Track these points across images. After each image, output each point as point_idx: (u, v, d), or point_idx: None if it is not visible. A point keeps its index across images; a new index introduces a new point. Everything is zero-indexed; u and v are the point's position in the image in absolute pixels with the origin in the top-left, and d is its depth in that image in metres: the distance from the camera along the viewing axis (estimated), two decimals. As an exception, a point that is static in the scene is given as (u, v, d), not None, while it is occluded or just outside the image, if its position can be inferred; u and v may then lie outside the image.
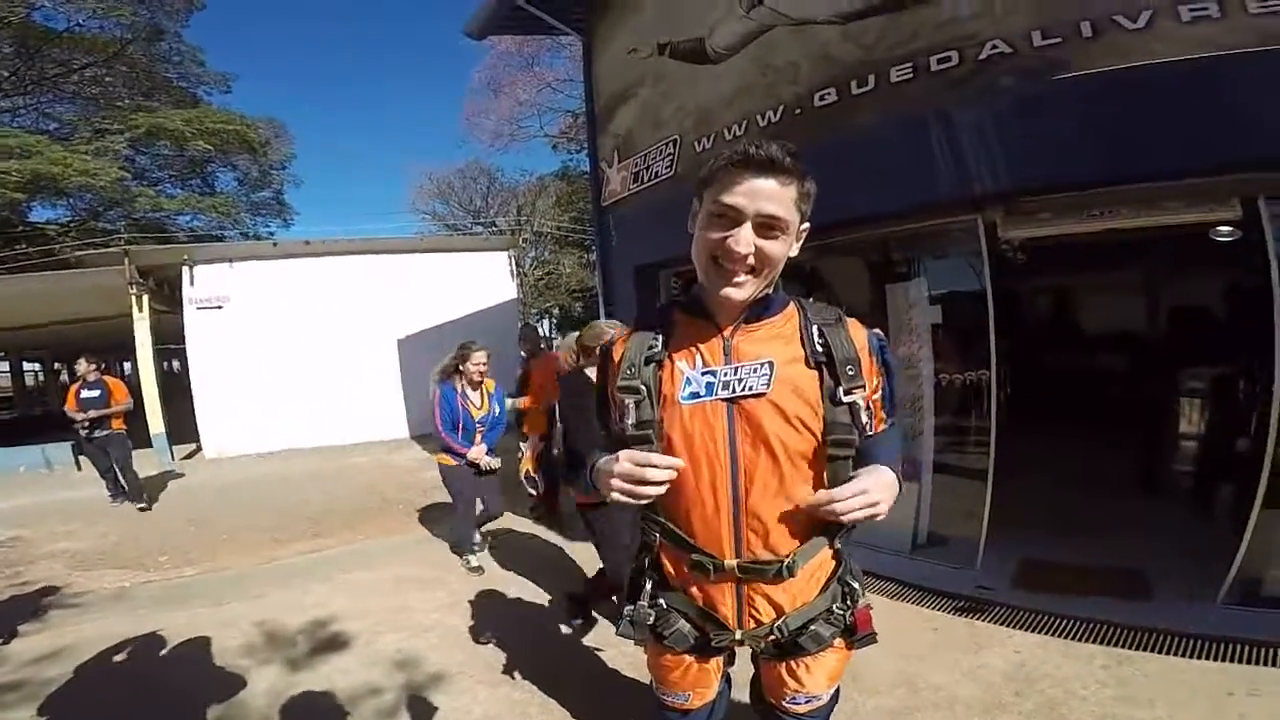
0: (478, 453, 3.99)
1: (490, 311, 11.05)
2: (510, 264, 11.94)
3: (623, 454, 1.13)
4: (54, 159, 15.04)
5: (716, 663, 1.44)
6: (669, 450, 1.18)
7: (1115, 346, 5.86)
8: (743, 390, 1.15)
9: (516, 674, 2.80)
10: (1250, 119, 2.47)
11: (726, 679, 1.56)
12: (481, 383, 4.12)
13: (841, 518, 1.07)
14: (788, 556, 1.18)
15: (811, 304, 1.25)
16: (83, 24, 16.73)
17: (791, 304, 1.24)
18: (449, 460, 4.03)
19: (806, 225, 1.19)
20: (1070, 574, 3.33)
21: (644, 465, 1.10)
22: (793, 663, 1.32)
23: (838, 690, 1.44)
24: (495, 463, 4.09)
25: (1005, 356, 3.40)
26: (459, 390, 4.01)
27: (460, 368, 4.04)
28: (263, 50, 42.78)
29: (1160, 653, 2.64)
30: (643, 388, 1.19)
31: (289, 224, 23.65)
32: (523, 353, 5.63)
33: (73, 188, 16.26)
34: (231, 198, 21.66)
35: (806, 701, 1.37)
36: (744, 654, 1.40)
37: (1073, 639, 2.80)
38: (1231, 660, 2.54)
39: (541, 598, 3.67)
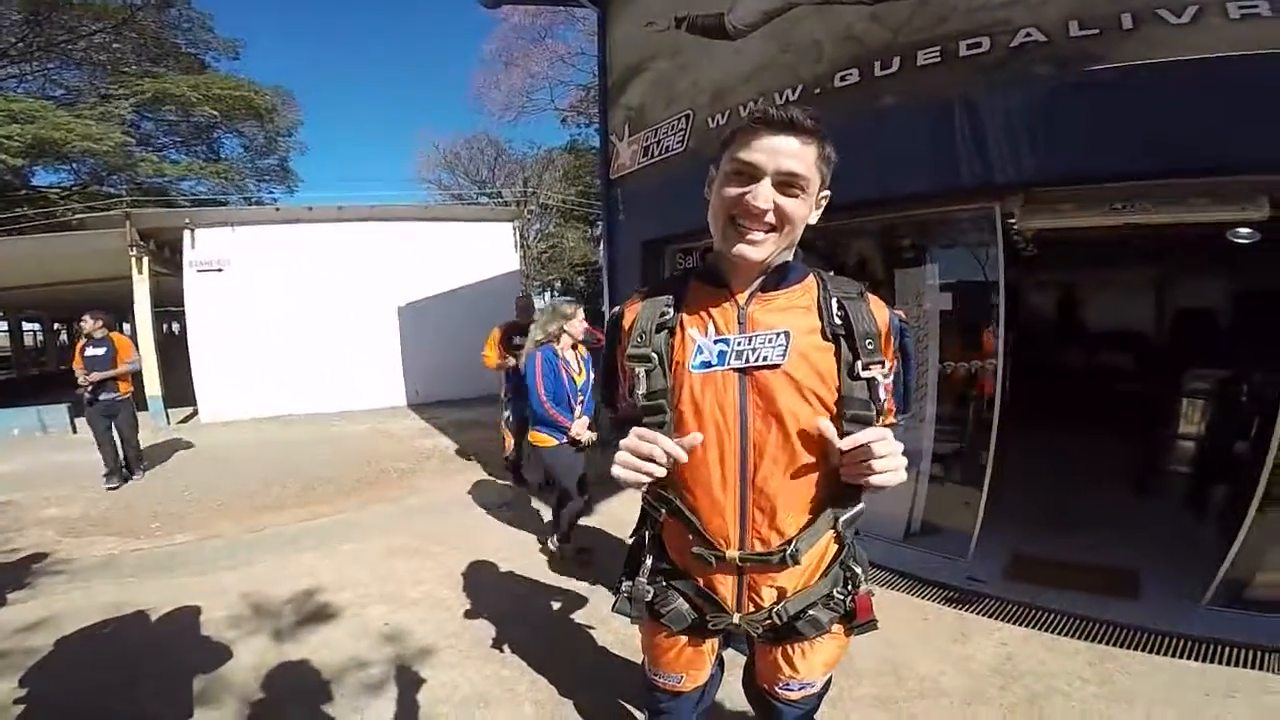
0: (580, 427, 3.53)
1: (492, 282, 11.03)
2: (514, 236, 11.90)
3: (633, 431, 1.09)
4: (57, 124, 14.96)
5: (711, 644, 1.42)
6: (681, 422, 1.13)
7: (1121, 343, 5.83)
8: (756, 360, 1.10)
9: (505, 649, 2.78)
10: None
11: (720, 662, 1.55)
12: (576, 346, 3.71)
13: (874, 461, 1.01)
14: (791, 542, 1.14)
15: (833, 277, 1.19)
16: None
17: (811, 275, 1.19)
18: (549, 440, 3.54)
19: (828, 192, 1.14)
20: (1061, 569, 3.33)
21: (650, 443, 1.05)
22: (789, 648, 1.30)
23: (830, 677, 1.42)
24: (594, 436, 3.63)
25: (1012, 348, 3.37)
26: (561, 356, 3.56)
27: (561, 331, 3.57)
28: (272, 16, 42.16)
29: (1144, 651, 2.65)
30: (654, 355, 1.15)
31: (293, 191, 23.57)
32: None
33: (75, 153, 16.16)
34: (236, 164, 21.54)
35: (800, 689, 1.36)
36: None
37: (1059, 634, 2.80)
38: (1213, 661, 2.54)
39: (530, 571, 3.66)
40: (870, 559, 1.33)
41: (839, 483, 1.09)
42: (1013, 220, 3.20)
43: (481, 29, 38.87)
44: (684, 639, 1.35)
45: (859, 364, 1.09)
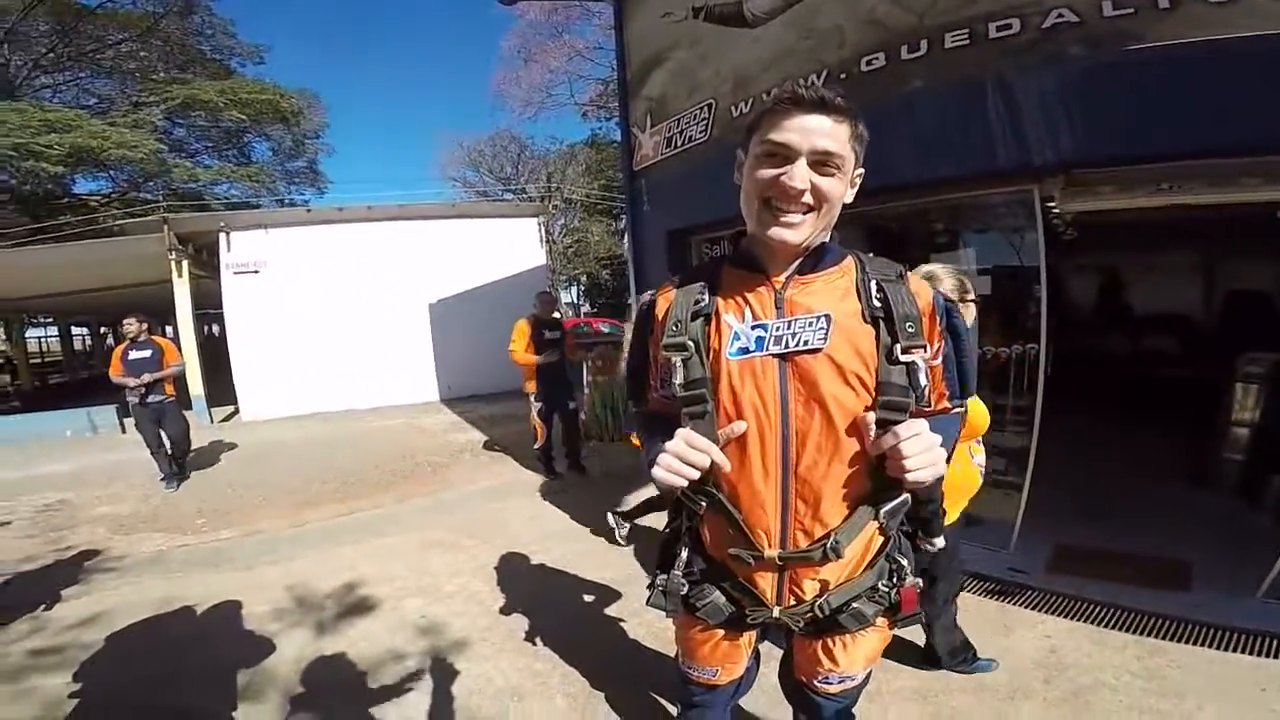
0: None
1: (520, 277, 11.14)
2: (540, 231, 11.99)
3: (682, 435, 1.06)
4: (93, 132, 15.48)
5: (749, 638, 1.39)
6: (720, 411, 1.10)
7: (1167, 328, 5.62)
8: (796, 345, 1.06)
9: (538, 641, 2.81)
10: None
11: (756, 655, 1.52)
12: None
13: (904, 460, 0.97)
14: (831, 535, 1.09)
15: (871, 258, 1.15)
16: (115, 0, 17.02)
17: (849, 257, 1.15)
18: None
19: (862, 170, 1.10)
20: (1107, 561, 3.22)
21: (702, 452, 1.03)
22: (829, 640, 1.27)
23: (870, 670, 1.39)
24: None
25: (1054, 333, 3.27)
26: None
27: None
28: (295, 21, 42.89)
29: (1195, 644, 2.55)
30: (690, 344, 1.10)
31: (323, 192, 24.07)
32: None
33: (112, 160, 16.71)
34: (266, 167, 22.06)
35: (840, 681, 1.33)
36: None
37: (1105, 627, 2.72)
38: (1268, 655, 2.44)
39: (562, 564, 3.68)
40: None
41: (879, 473, 1.05)
42: (1052, 203, 3.10)
43: (500, 26, 38.96)
44: (720, 632, 1.32)
45: (898, 347, 1.04)
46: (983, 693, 2.35)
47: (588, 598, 3.27)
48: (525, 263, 11.50)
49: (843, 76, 3.65)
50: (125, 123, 16.77)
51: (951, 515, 2.07)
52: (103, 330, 22.03)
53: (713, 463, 1.05)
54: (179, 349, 6.40)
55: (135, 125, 16.91)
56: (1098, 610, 2.83)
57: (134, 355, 5.73)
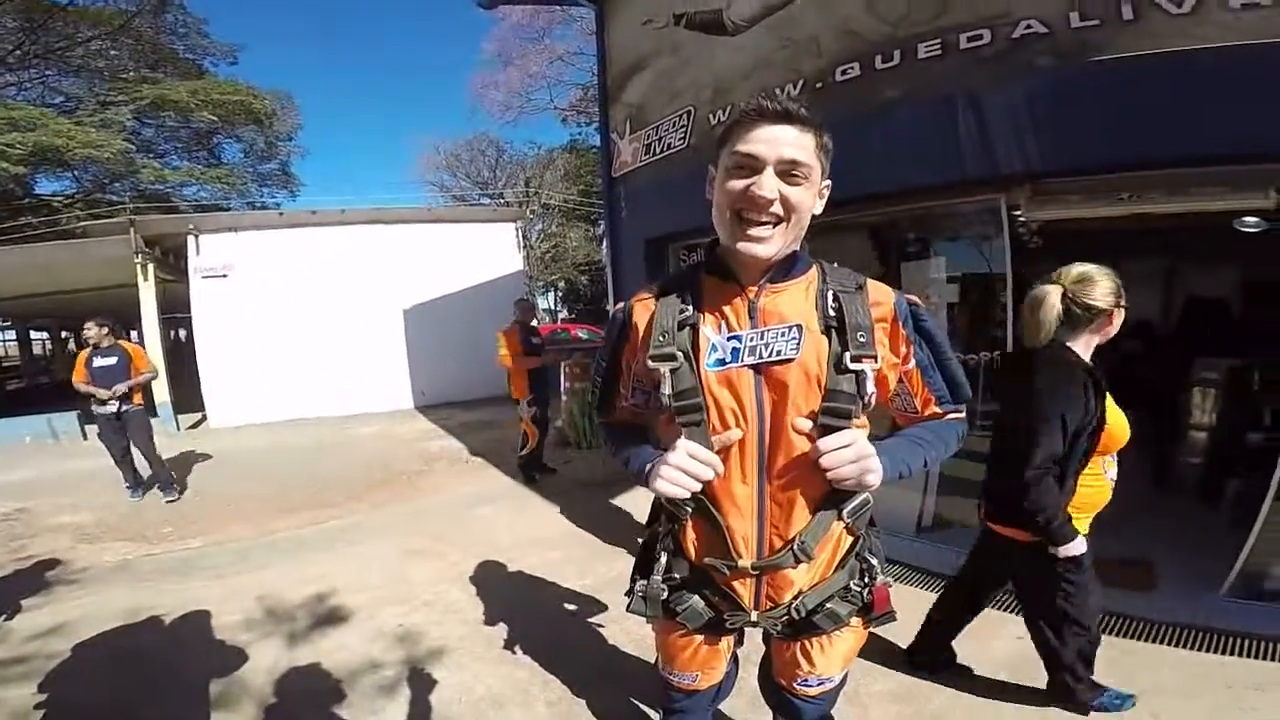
0: None
1: (496, 283, 11.08)
2: (517, 236, 11.93)
3: (681, 444, 1.07)
4: (58, 131, 15.07)
5: (728, 642, 1.41)
6: (711, 420, 1.12)
7: (1130, 334, 5.76)
8: (770, 355, 1.09)
9: (518, 649, 2.79)
10: None
11: (735, 659, 1.54)
12: None
13: (826, 470, 1.03)
14: (797, 537, 1.13)
15: (835, 269, 1.19)
16: None
17: (814, 267, 1.18)
18: None
19: (829, 182, 1.13)
20: None
21: (705, 464, 1.06)
22: (807, 642, 1.29)
23: (847, 672, 1.42)
24: None
25: (1020, 340, 3.35)
26: None
27: None
28: (269, 21, 42.24)
29: (1163, 644, 2.63)
30: (679, 354, 1.11)
31: (295, 195, 23.68)
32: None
33: (77, 160, 16.29)
34: (237, 169, 21.63)
35: (819, 684, 1.35)
36: (754, 633, 1.36)
37: (1076, 627, 2.78)
38: (1234, 654, 2.52)
39: (542, 571, 3.66)
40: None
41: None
42: (1018, 212, 3.19)
43: (480, 29, 38.87)
44: (700, 637, 1.34)
45: (847, 356, 1.07)
46: (959, 695, 2.39)
47: (568, 605, 3.25)
48: (502, 268, 11.44)
49: (819, 86, 3.73)
50: (92, 122, 16.35)
51: (1081, 528, 1.96)
52: (64, 335, 21.34)
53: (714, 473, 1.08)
54: (146, 353, 6.01)
55: (103, 125, 16.49)
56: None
57: (99, 362, 5.37)
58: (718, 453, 1.09)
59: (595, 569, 3.64)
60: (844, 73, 3.59)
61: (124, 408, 5.41)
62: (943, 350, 1.20)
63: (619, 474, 5.25)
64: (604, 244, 6.75)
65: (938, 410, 1.23)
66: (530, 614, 3.17)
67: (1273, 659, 2.47)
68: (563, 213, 23.37)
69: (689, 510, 1.17)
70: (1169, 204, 2.91)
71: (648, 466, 1.13)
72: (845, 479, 1.03)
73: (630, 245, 5.67)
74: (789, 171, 1.03)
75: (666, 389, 1.11)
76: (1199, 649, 2.57)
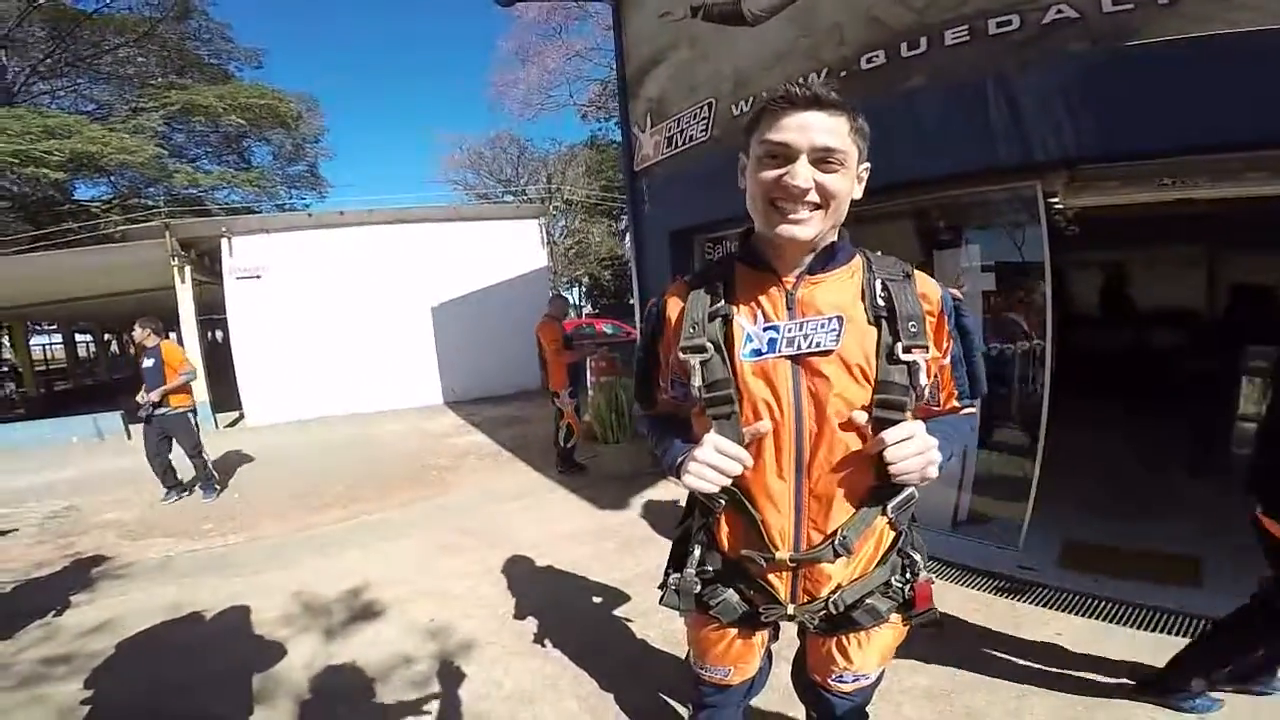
0: None
1: (522, 279, 11.18)
2: (541, 232, 11.96)
3: (709, 438, 1.06)
4: (93, 138, 15.51)
5: (762, 637, 1.39)
6: (744, 412, 1.10)
7: (1172, 322, 5.60)
8: (809, 347, 1.06)
9: (547, 643, 2.82)
10: None
11: (768, 654, 1.52)
12: None
13: (890, 463, 1.00)
14: (840, 531, 1.11)
15: (880, 257, 1.16)
16: (111, 4, 17.07)
17: (858, 255, 1.15)
18: None
19: (868, 164, 1.10)
20: (1117, 556, 3.23)
21: (734, 459, 1.05)
22: (844, 638, 1.27)
23: (884, 669, 1.38)
24: None
25: (1060, 329, 3.26)
26: None
27: None
28: (291, 24, 42.95)
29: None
30: (709, 345, 1.09)
31: (324, 196, 24.12)
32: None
33: (112, 165, 16.77)
34: (266, 172, 22.08)
35: (854, 680, 1.33)
36: (789, 628, 1.34)
37: (1117, 623, 2.72)
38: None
39: (571, 566, 3.68)
40: None
41: (887, 469, 1.06)
42: (1055, 199, 3.10)
43: (498, 27, 38.99)
44: (733, 631, 1.32)
45: (899, 346, 1.05)
46: (995, 691, 2.34)
47: (597, 599, 3.27)
48: (527, 265, 11.51)
49: (843, 74, 3.66)
50: (125, 128, 16.82)
51: None
52: (106, 337, 22.08)
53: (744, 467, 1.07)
54: (184, 352, 6.00)
55: (135, 130, 16.95)
56: (1108, 606, 2.83)
57: (144, 364, 5.46)
58: (749, 445, 1.08)
59: (624, 564, 3.65)
60: (869, 60, 3.52)
61: (158, 410, 5.42)
62: (973, 346, 1.19)
63: (646, 468, 5.36)
64: (627, 238, 6.74)
65: (956, 405, 1.21)
66: (560, 609, 3.19)
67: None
68: (585, 208, 23.42)
69: (723, 503, 1.16)
70: (1215, 190, 2.80)
71: (678, 460, 1.12)
72: (909, 471, 1.00)
73: (654, 238, 5.66)
74: (824, 159, 1.01)
75: (697, 380, 1.09)
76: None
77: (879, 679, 1.40)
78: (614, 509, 4.66)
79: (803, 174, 1.00)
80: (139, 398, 5.43)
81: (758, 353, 1.09)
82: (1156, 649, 2.49)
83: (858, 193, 1.09)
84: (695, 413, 1.18)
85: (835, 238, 1.12)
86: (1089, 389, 4.65)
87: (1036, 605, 2.93)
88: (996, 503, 3.61)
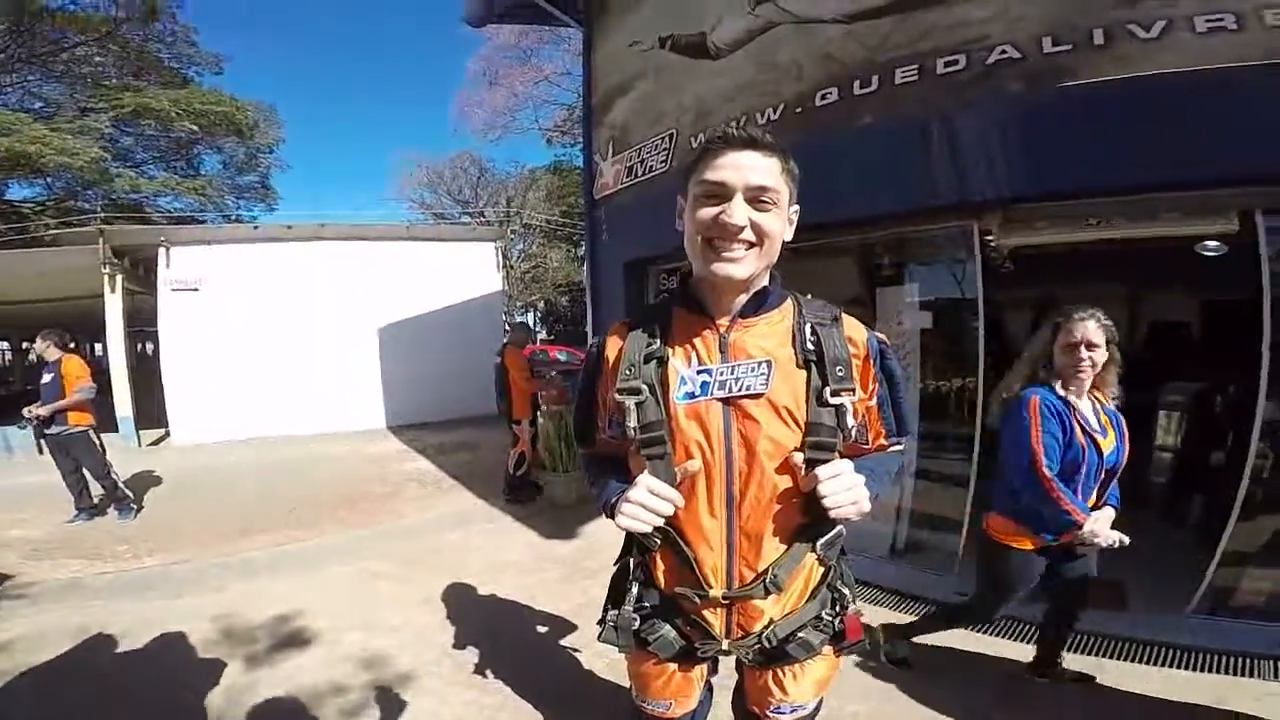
0: (1105, 524, 2.14)
1: (475, 303, 10.98)
2: (497, 255, 11.84)
3: (642, 480, 1.10)
4: (33, 137, 14.77)
5: (700, 670, 1.39)
6: (676, 452, 1.13)
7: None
8: (739, 390, 1.11)
9: (488, 675, 2.72)
10: (1252, 132, 2.46)
11: (709, 687, 1.51)
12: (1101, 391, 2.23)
13: (824, 498, 1.04)
14: (770, 569, 1.14)
15: (809, 301, 1.21)
16: (77, 1, 16.44)
17: (789, 299, 1.20)
18: (1026, 542, 2.24)
19: (797, 207, 1.15)
20: None
21: (665, 500, 1.08)
22: (779, 670, 1.28)
23: (821, 699, 1.39)
24: (1124, 539, 2.12)
25: (992, 364, 3.40)
26: (1073, 405, 2.14)
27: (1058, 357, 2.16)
28: (256, 32, 42.13)
29: (1133, 662, 2.68)
30: (644, 387, 1.13)
31: (273, 208, 23.34)
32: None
33: (50, 166, 15.94)
34: (214, 180, 21.31)
35: (791, 711, 1.33)
36: (728, 659, 1.34)
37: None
38: (1202, 670, 2.58)
39: (514, 595, 3.58)
40: (857, 576, 1.33)
41: (816, 507, 1.09)
42: (990, 237, 3.25)
43: (466, 47, 39.16)
44: (673, 666, 1.32)
45: (827, 390, 1.09)
46: (935, 716, 2.38)
47: (541, 629, 3.18)
48: (481, 288, 11.34)
49: (799, 110, 3.79)
50: (70, 128, 16.03)
51: None
52: (24, 345, 20.69)
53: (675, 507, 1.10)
54: (89, 368, 5.35)
55: (80, 131, 16.18)
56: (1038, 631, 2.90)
57: (43, 378, 5.09)
58: (680, 484, 1.11)
59: (570, 594, 3.57)
60: (823, 97, 3.66)
61: (55, 429, 5.05)
62: (899, 387, 1.24)
63: (592, 497, 5.18)
64: (585, 266, 6.77)
65: (884, 443, 1.26)
66: (502, 639, 3.09)
67: (1238, 674, 2.53)
68: (544, 233, 23.47)
69: (658, 541, 1.18)
70: (1134, 229, 2.99)
71: (613, 500, 1.14)
72: (840, 505, 1.04)
73: (610, 267, 5.67)
74: (757, 198, 1.05)
75: (631, 421, 1.12)
76: (1169, 665, 2.63)
77: (818, 708, 1.41)
78: (561, 538, 4.57)
79: (739, 212, 1.04)
80: (25, 410, 5.05)
81: (691, 395, 1.12)
82: (1090, 671, 2.60)
83: (788, 234, 1.14)
84: (631, 452, 1.20)
85: (768, 280, 1.17)
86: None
87: (973, 631, 2.97)
88: (933, 533, 3.70)
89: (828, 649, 1.27)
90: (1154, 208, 2.93)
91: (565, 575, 3.87)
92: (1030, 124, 2.93)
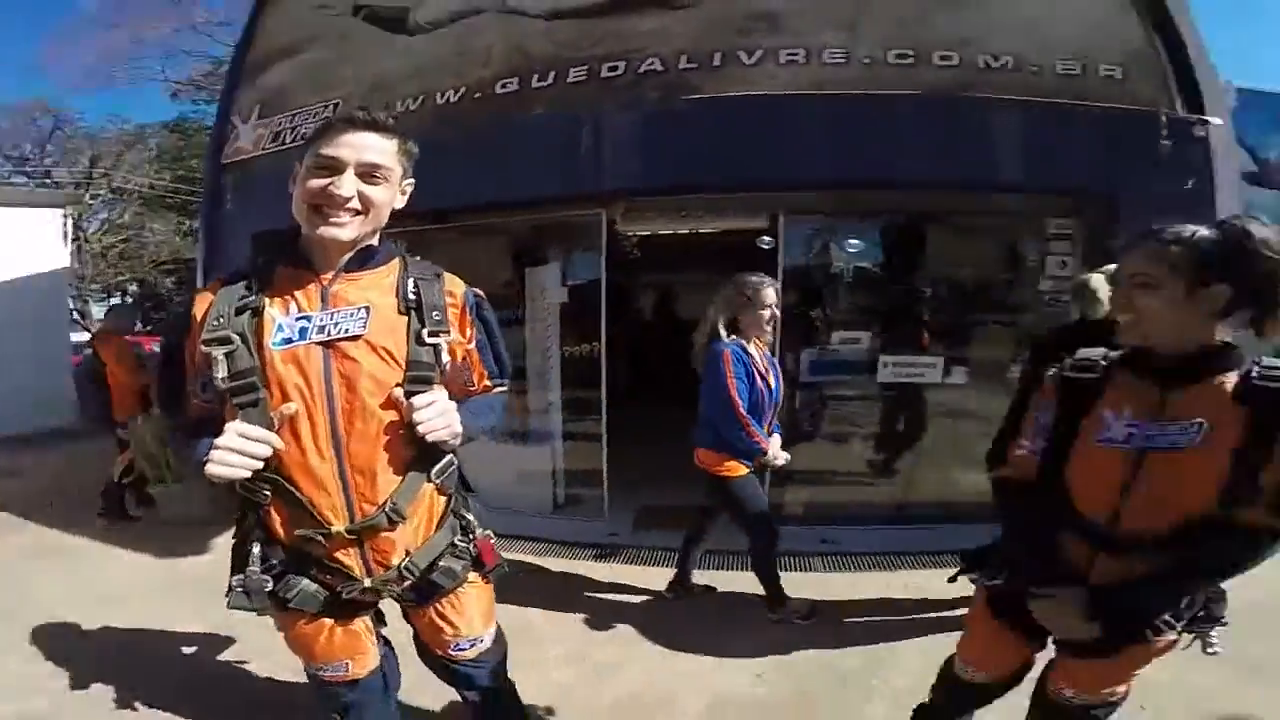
0: (777, 447, 2.75)
1: (29, 282, 8.28)
2: (65, 226, 9.16)
3: (231, 426, 1.08)
4: None
5: (364, 623, 1.39)
6: (274, 397, 1.14)
7: (693, 330, 7.28)
8: (338, 333, 1.16)
9: (137, 705, 2.34)
10: (783, 147, 3.21)
11: (386, 641, 1.51)
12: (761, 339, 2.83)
13: (418, 425, 1.13)
14: (389, 500, 1.20)
15: (416, 261, 1.32)
16: None
17: (397, 258, 1.29)
18: (740, 468, 2.76)
19: (412, 181, 1.29)
20: (678, 515, 3.59)
21: (258, 441, 1.08)
22: (440, 605, 1.35)
23: (501, 635, 1.50)
24: (789, 458, 2.83)
25: (614, 336, 3.96)
26: (751, 353, 2.71)
27: (743, 316, 2.71)
28: None
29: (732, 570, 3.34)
30: (235, 336, 1.12)
31: None
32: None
33: None
34: None
35: (470, 645, 1.41)
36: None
37: (665, 568, 3.29)
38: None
39: (154, 621, 3.05)
40: (525, 533, 1.48)
41: (424, 439, 1.17)
42: (617, 225, 3.81)
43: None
44: (329, 621, 1.31)
45: (425, 331, 1.20)
46: (616, 640, 2.78)
47: (190, 649, 2.80)
48: (39, 265, 8.53)
49: (477, 96, 3.90)
50: None
51: None
52: None
53: (273, 449, 1.10)
54: None
55: None
56: (670, 556, 3.32)
57: None
58: (279, 429, 1.11)
59: (218, 609, 3.04)
60: (504, 85, 3.82)
61: None
62: (495, 334, 1.39)
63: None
64: (199, 238, 5.71)
65: (489, 384, 1.40)
66: (146, 665, 2.66)
67: (793, 570, 3.27)
68: (146, 200, 18.46)
69: (268, 495, 1.19)
70: (707, 223, 3.70)
71: (203, 456, 1.08)
72: (435, 430, 1.15)
73: (233, 239, 4.85)
74: (370, 173, 1.16)
75: (220, 372, 1.11)
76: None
77: (501, 646, 1.50)
78: (193, 555, 3.88)
79: (348, 184, 1.14)
80: None
81: (288, 341, 1.15)
82: (720, 583, 3.25)
83: (400, 203, 1.26)
84: (228, 411, 1.14)
85: (375, 241, 1.26)
86: (648, 384, 5.71)
87: (626, 564, 3.55)
88: (584, 484, 4.23)
89: (475, 576, 1.37)
90: (722, 206, 3.64)
91: (208, 592, 3.07)
92: (652, 128, 3.46)
